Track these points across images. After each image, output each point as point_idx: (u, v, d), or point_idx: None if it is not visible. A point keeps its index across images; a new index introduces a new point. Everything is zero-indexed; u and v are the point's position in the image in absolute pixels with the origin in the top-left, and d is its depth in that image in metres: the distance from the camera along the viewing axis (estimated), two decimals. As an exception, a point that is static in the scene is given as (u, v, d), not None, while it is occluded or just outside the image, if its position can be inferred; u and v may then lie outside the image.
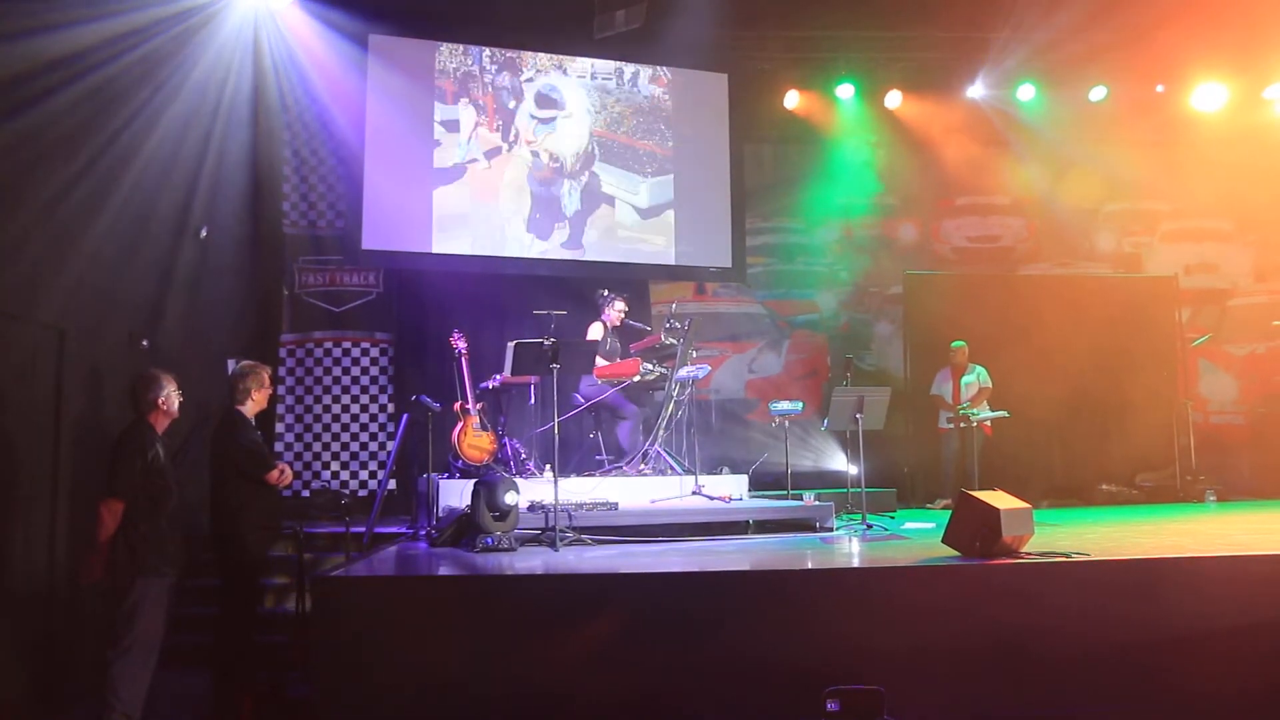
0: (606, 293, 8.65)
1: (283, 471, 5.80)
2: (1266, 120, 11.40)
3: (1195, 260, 11.91)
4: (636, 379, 8.11)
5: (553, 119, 10.32)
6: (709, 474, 8.06)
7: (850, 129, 11.25)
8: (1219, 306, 11.84)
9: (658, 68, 10.62)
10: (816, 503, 7.57)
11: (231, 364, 7.09)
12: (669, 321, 8.23)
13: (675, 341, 8.05)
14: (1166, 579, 5.17)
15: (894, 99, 11.11)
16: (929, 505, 9.67)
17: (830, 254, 11.46)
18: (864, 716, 4.40)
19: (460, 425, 7.86)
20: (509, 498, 6.22)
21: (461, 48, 10.10)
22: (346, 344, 9.84)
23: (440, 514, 7.04)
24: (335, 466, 9.69)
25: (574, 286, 9.72)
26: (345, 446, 9.73)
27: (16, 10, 5.40)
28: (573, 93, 10.40)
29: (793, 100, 11.05)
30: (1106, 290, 11.40)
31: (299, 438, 9.64)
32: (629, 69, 10.53)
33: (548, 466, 7.42)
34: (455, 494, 7.06)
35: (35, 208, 5.60)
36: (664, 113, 10.62)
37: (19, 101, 5.40)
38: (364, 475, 9.73)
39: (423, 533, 7.09)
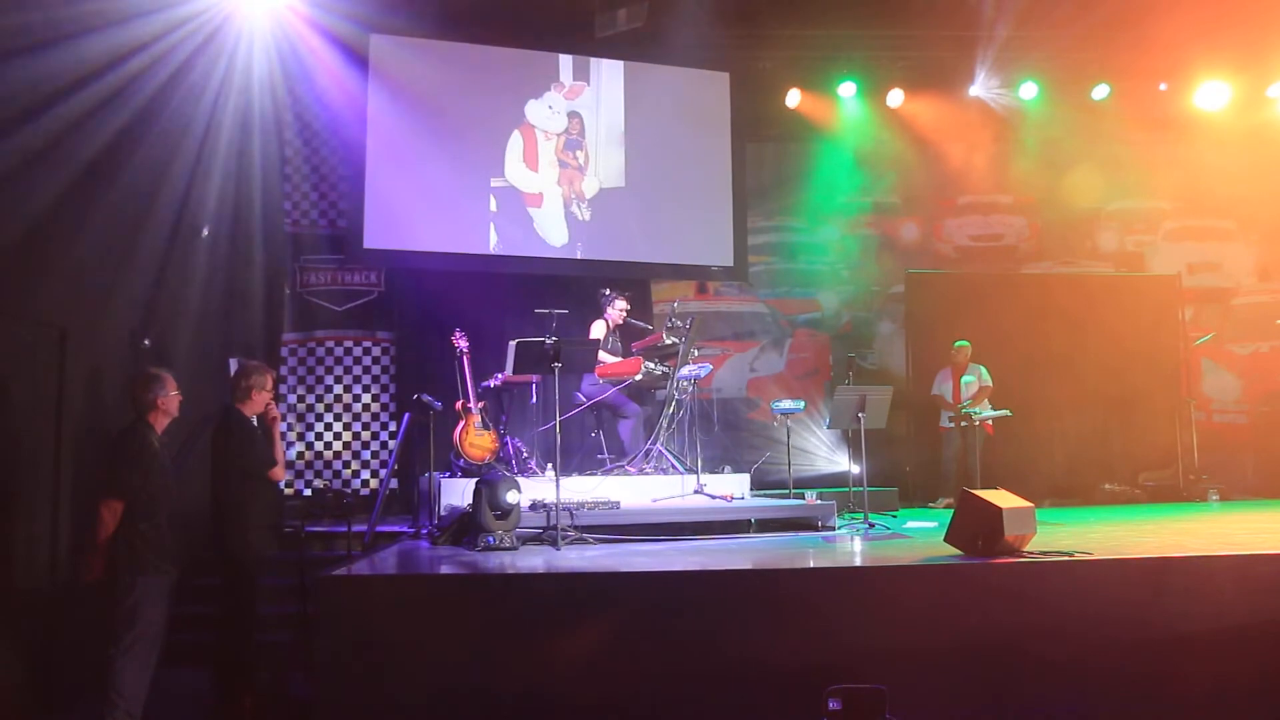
0: (608, 291, 8.65)
1: (269, 410, 5.80)
2: (1270, 119, 11.37)
3: (1198, 259, 11.88)
4: (638, 378, 8.11)
5: (557, 118, 10.31)
6: (711, 473, 8.05)
7: (852, 128, 11.22)
8: (1222, 305, 11.82)
9: (660, 67, 10.61)
10: (818, 502, 7.56)
11: (234, 363, 7.09)
12: (671, 320, 8.22)
13: (677, 340, 8.05)
14: (1169, 578, 5.15)
15: (896, 97, 11.09)
16: (931, 504, 9.65)
17: (832, 253, 11.44)
18: (866, 715, 4.39)
19: (462, 424, 7.86)
20: (510, 496, 6.21)
21: (462, 50, 10.09)
22: (348, 343, 9.85)
23: (442, 513, 7.04)
24: (337, 465, 9.69)
25: (576, 285, 9.73)
26: (347, 445, 9.73)
27: (23, 16, 5.41)
28: (575, 93, 10.39)
29: (794, 99, 11.03)
30: (1109, 289, 11.38)
31: (300, 437, 9.64)
32: (631, 71, 10.51)
33: (549, 465, 7.42)
34: (457, 493, 7.07)
35: (37, 207, 5.60)
36: (666, 112, 10.60)
37: (20, 100, 5.41)
38: (366, 474, 9.73)
39: (424, 532, 7.09)
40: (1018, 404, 9.66)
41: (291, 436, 9.60)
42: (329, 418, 9.72)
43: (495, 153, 10.08)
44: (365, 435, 9.78)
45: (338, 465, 9.69)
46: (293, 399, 9.66)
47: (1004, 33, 10.46)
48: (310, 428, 9.68)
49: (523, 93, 10.25)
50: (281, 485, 6.06)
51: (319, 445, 9.68)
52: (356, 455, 9.74)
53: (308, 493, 9.43)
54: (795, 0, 10.07)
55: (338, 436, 9.72)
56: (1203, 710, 4.87)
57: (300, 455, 9.59)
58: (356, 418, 9.77)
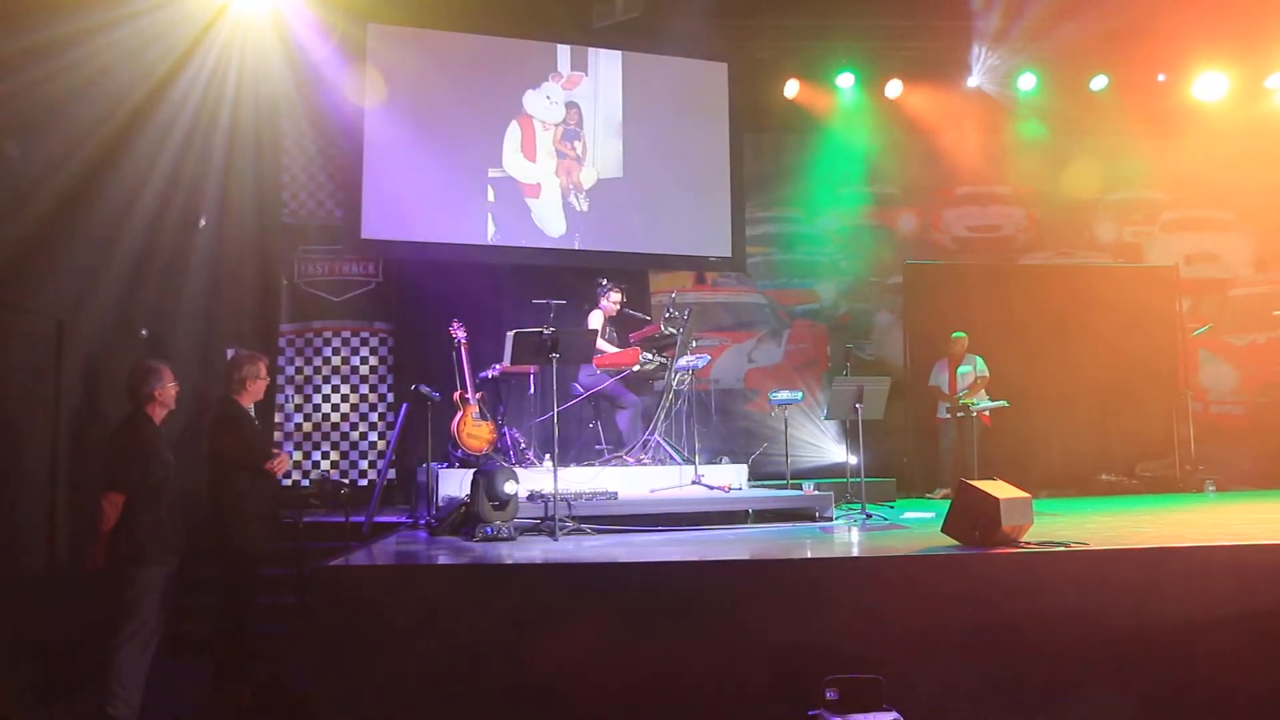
0: (604, 283, 8.65)
1: (279, 460, 5.80)
2: (1267, 110, 11.38)
3: (1196, 250, 11.89)
4: (636, 369, 8.11)
5: (555, 109, 10.30)
6: (709, 463, 8.06)
7: (850, 118, 11.20)
8: (1219, 296, 11.83)
9: (658, 57, 10.58)
10: (816, 492, 7.58)
11: (231, 354, 7.09)
12: (668, 311, 8.22)
13: (675, 331, 8.04)
14: (1165, 568, 5.17)
15: (894, 88, 11.08)
16: (928, 495, 9.67)
17: (830, 243, 11.44)
18: (863, 705, 4.41)
19: (459, 415, 7.86)
20: (508, 487, 6.23)
21: (460, 40, 10.07)
22: (346, 333, 9.84)
23: (440, 503, 7.04)
24: (335, 456, 9.69)
25: (574, 276, 9.75)
26: (345, 436, 9.73)
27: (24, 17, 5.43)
28: (573, 83, 10.37)
29: (793, 89, 11.01)
30: (1107, 280, 11.39)
31: (298, 427, 9.64)
32: (629, 61, 10.49)
33: (547, 456, 7.43)
34: (455, 483, 7.06)
35: (34, 198, 5.59)
36: (664, 103, 10.58)
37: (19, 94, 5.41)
38: (363, 465, 9.73)
39: (422, 522, 7.10)
40: (1015, 395, 9.67)
41: (289, 427, 9.61)
42: (326, 408, 9.72)
43: (493, 143, 10.06)
44: (363, 426, 9.78)
45: (335, 456, 9.69)
46: (290, 390, 9.65)
47: (1002, 23, 10.45)
48: (308, 418, 9.67)
49: (521, 83, 10.22)
50: (279, 476, 6.03)
51: (316, 436, 9.68)
52: (355, 446, 9.74)
53: (305, 483, 9.43)
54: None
55: (335, 427, 9.72)
56: (1199, 699, 4.89)
57: (298, 447, 9.59)
58: (354, 408, 9.77)
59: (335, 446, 9.70)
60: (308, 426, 9.67)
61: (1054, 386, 10.57)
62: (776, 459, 8.81)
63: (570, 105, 10.36)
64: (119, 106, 6.45)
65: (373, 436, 9.78)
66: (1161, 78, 11.26)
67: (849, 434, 8.28)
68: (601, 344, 8.20)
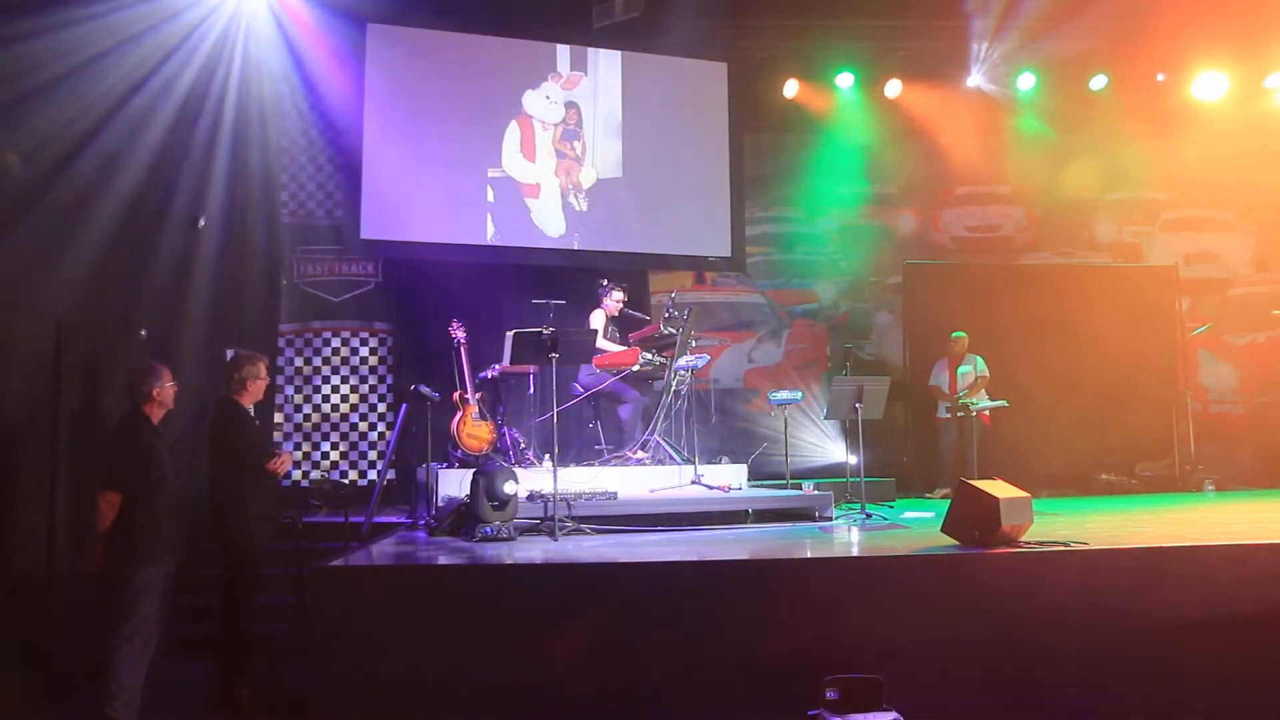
0: (605, 283, 8.64)
1: (281, 460, 5.80)
2: (1267, 109, 11.37)
3: (1195, 249, 11.88)
4: (635, 368, 8.10)
5: (554, 109, 10.30)
6: (708, 463, 8.06)
7: (850, 118, 11.19)
8: (1219, 296, 11.83)
9: (657, 57, 10.58)
10: (815, 492, 7.58)
11: (230, 354, 7.09)
12: (668, 311, 8.22)
13: (674, 331, 8.04)
14: (1165, 568, 5.17)
15: (894, 88, 11.07)
16: (928, 494, 9.66)
17: (830, 243, 11.44)
18: (863, 705, 4.41)
19: (459, 415, 7.86)
20: (508, 487, 6.23)
21: (459, 40, 10.07)
22: (345, 334, 9.84)
23: (439, 504, 7.04)
24: (334, 456, 9.69)
25: (573, 276, 9.74)
26: (344, 436, 9.73)
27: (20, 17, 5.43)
28: (573, 83, 10.37)
29: (792, 89, 11.00)
30: (1106, 280, 11.38)
31: (298, 428, 9.63)
32: (629, 61, 10.49)
33: (547, 456, 7.42)
34: (454, 483, 7.06)
35: (32, 198, 5.59)
36: (664, 103, 10.58)
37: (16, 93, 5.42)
38: (363, 465, 9.73)
39: (422, 522, 7.10)
40: (1015, 394, 9.66)
41: (289, 427, 9.61)
42: (326, 408, 9.72)
43: (493, 143, 10.06)
44: (363, 426, 9.77)
45: (335, 456, 9.69)
46: (290, 390, 9.65)
47: (1001, 23, 10.45)
48: (307, 418, 9.67)
49: (520, 83, 10.22)
50: (280, 476, 6.04)
51: (316, 436, 9.68)
52: (354, 446, 9.74)
53: (305, 484, 9.43)
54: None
55: (335, 427, 9.72)
56: (1198, 698, 4.88)
57: (297, 447, 9.59)
58: (354, 408, 9.77)
59: (335, 447, 9.70)
60: (307, 426, 9.66)
61: (1054, 386, 10.56)
62: (776, 459, 8.80)
63: (570, 105, 10.36)
64: (119, 107, 6.44)
65: (372, 437, 9.77)
66: (1161, 78, 11.25)
67: (849, 434, 8.27)
68: (604, 343, 8.20)
